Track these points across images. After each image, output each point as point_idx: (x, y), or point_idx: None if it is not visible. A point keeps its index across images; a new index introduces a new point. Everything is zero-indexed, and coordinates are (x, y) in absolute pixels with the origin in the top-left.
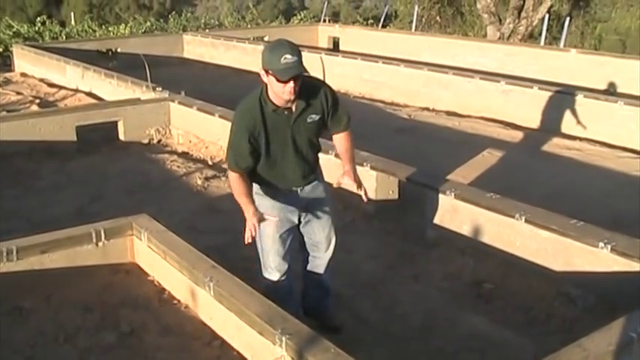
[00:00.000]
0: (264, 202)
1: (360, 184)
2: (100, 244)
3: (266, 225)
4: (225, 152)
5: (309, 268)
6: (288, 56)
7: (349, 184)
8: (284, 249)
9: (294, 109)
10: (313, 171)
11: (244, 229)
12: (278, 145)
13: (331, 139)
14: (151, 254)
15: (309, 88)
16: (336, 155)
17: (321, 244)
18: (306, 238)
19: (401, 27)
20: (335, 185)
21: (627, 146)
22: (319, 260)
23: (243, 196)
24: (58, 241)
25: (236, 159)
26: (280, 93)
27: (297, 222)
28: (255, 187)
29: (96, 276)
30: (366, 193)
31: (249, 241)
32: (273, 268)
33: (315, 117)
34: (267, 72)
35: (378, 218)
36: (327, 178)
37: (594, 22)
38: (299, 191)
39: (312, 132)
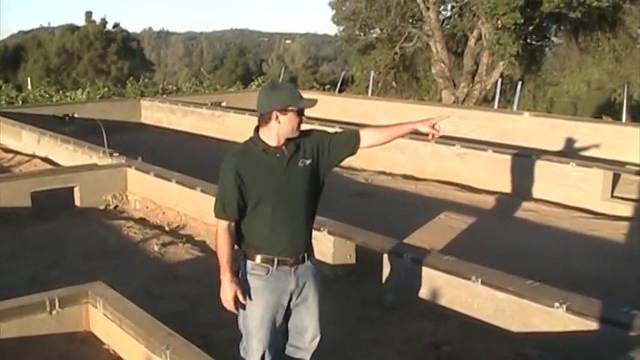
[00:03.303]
0: (256, 283)
1: (429, 121)
2: (55, 312)
3: (253, 305)
4: (214, 202)
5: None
6: (296, 89)
7: (426, 130)
8: (270, 335)
9: (285, 151)
10: (308, 238)
11: (219, 290)
12: (270, 191)
13: (369, 146)
14: (107, 322)
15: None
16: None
17: (307, 334)
18: (290, 324)
19: (358, 92)
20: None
21: (581, 206)
22: (302, 353)
23: (224, 255)
24: (11, 310)
25: (223, 203)
26: (295, 127)
27: (286, 306)
28: (249, 265)
29: (50, 346)
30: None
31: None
32: (254, 353)
33: (307, 161)
34: (284, 111)
35: (336, 283)
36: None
37: (546, 86)
38: (292, 272)
39: (306, 180)
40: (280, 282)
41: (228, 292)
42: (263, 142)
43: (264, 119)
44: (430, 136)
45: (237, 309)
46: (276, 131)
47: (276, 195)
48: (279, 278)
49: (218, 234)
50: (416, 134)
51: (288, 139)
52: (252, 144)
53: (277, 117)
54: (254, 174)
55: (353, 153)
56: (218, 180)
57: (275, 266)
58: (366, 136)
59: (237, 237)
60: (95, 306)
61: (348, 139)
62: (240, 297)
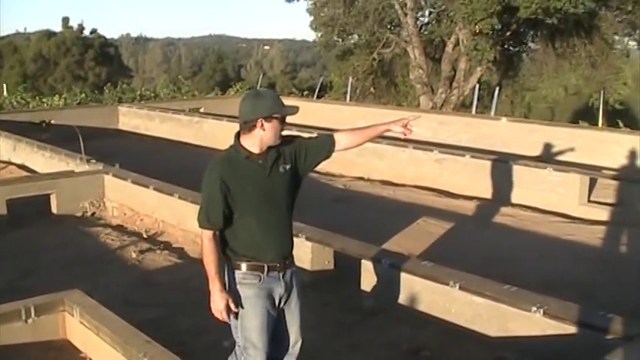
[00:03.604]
0: (249, 292)
1: (401, 122)
2: (31, 320)
3: (251, 316)
4: (198, 212)
5: None
6: (279, 97)
7: (399, 130)
8: (268, 342)
9: (267, 158)
10: (292, 242)
11: (209, 302)
12: (256, 198)
13: (344, 149)
14: (84, 330)
15: None
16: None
17: (291, 338)
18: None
19: (336, 98)
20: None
21: (558, 211)
22: (285, 357)
23: (212, 265)
24: None
25: (208, 212)
26: (278, 134)
27: (275, 312)
28: (238, 274)
29: (26, 355)
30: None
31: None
32: None
33: (287, 166)
34: (269, 118)
35: (314, 289)
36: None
37: (523, 91)
38: (281, 277)
39: (287, 185)
40: (271, 288)
41: (219, 301)
42: (245, 149)
43: (247, 127)
44: (403, 135)
45: (229, 318)
46: (261, 138)
47: (262, 201)
48: (270, 284)
49: (204, 244)
50: (394, 139)
51: (270, 146)
52: (235, 152)
53: (262, 124)
54: (239, 181)
55: (328, 156)
56: (201, 189)
57: (266, 273)
58: (340, 139)
59: (222, 246)
60: (72, 314)
61: (324, 143)
62: (232, 306)
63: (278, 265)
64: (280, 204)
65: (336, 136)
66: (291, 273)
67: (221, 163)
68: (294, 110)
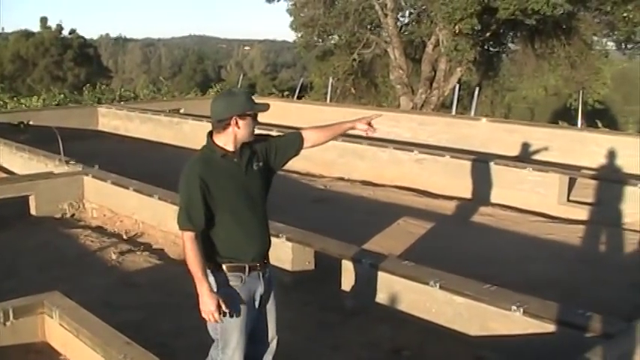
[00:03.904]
0: (229, 294)
1: (365, 120)
2: (9, 323)
3: (232, 316)
4: (177, 215)
5: None
6: (251, 94)
7: (363, 128)
8: (246, 342)
9: (242, 156)
10: (270, 241)
11: (198, 305)
12: (235, 196)
13: (312, 146)
14: (63, 332)
15: None
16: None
17: (268, 335)
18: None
19: (316, 98)
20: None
21: (538, 210)
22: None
23: (198, 267)
24: None
25: (189, 213)
26: (252, 131)
27: (256, 311)
28: (220, 276)
29: (5, 357)
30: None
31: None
32: None
33: (260, 164)
34: (243, 116)
35: (295, 290)
36: None
37: (503, 92)
38: (261, 276)
39: (261, 183)
40: (252, 288)
41: (209, 302)
42: (221, 148)
43: (222, 125)
44: (365, 134)
45: (221, 320)
46: (235, 136)
47: (240, 199)
48: (251, 285)
49: (187, 247)
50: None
51: (243, 144)
52: (210, 151)
53: (237, 122)
54: (217, 180)
55: (297, 154)
56: (179, 191)
57: (247, 273)
58: (308, 137)
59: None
60: (51, 316)
61: (293, 141)
62: (223, 306)
63: (258, 265)
64: (257, 201)
65: (304, 133)
66: (269, 272)
67: (198, 162)
68: (266, 107)
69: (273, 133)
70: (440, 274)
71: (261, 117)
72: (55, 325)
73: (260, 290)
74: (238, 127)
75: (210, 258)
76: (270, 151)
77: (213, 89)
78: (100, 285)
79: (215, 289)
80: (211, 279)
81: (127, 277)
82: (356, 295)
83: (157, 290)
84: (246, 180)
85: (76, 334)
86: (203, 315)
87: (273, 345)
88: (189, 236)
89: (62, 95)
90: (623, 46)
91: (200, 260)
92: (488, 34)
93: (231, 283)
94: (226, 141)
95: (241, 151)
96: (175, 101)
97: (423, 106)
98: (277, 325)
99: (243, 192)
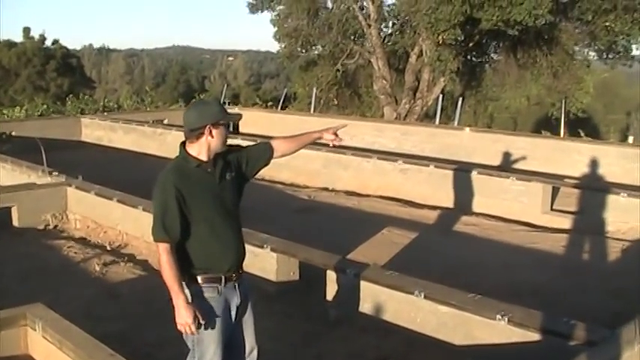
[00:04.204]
0: (206, 305)
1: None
2: None
3: (209, 329)
4: (152, 226)
5: None
6: (223, 104)
7: (330, 138)
8: (222, 353)
9: (215, 166)
10: (245, 250)
11: (174, 317)
12: (210, 207)
13: (281, 155)
14: (46, 345)
15: None
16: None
17: (247, 346)
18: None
19: (300, 108)
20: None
21: (521, 220)
22: None
23: (174, 279)
24: None
25: (164, 224)
26: (225, 141)
27: (232, 323)
28: (195, 288)
29: None
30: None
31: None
32: None
33: (233, 174)
34: (216, 125)
35: (279, 300)
36: None
37: (486, 102)
38: (237, 287)
39: (235, 192)
40: (228, 299)
41: (186, 315)
42: (194, 157)
43: (195, 135)
44: (331, 144)
45: (197, 332)
46: (208, 146)
47: (215, 209)
48: (227, 296)
49: (163, 259)
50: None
51: (216, 154)
52: (184, 161)
53: (210, 131)
54: (192, 190)
55: (267, 163)
56: (153, 201)
57: (223, 284)
58: (278, 147)
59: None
60: (34, 328)
61: (263, 151)
62: (200, 318)
63: (234, 275)
64: (231, 211)
65: (274, 143)
66: (244, 282)
67: (173, 172)
68: (238, 117)
69: (245, 143)
70: (424, 284)
71: (245, 127)
72: (38, 338)
73: (236, 301)
74: (212, 137)
75: (185, 270)
76: (242, 161)
77: (197, 100)
78: (84, 296)
79: (191, 301)
80: (187, 291)
81: (110, 288)
82: (340, 305)
83: (141, 301)
84: (220, 190)
85: (59, 346)
86: (179, 327)
87: (253, 355)
88: (164, 248)
89: (45, 106)
90: (605, 56)
91: (176, 272)
92: (471, 45)
93: (206, 294)
94: (200, 151)
95: (215, 161)
96: (159, 112)
97: (406, 116)
98: (256, 335)
99: (217, 202)
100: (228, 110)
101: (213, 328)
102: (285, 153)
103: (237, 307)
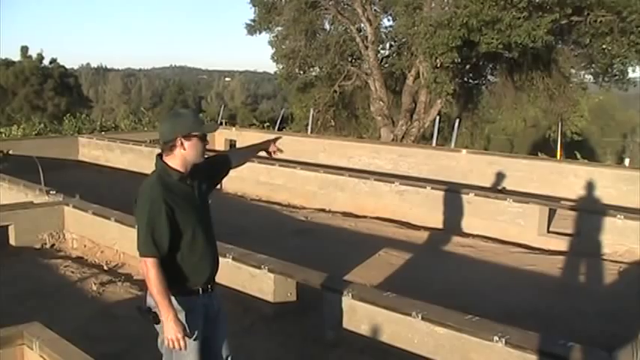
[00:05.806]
0: (183, 318)
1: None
2: None
3: (188, 341)
4: (137, 241)
5: None
6: (199, 115)
7: (272, 149)
8: None
9: (192, 178)
10: (219, 260)
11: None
12: (193, 219)
13: (235, 166)
14: None
15: None
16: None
17: (223, 354)
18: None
19: (297, 130)
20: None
21: (518, 241)
22: None
23: (163, 295)
24: None
25: (153, 239)
26: (201, 153)
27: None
28: (174, 301)
29: None
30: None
31: (173, 346)
32: None
33: (205, 186)
34: (189, 137)
35: (277, 321)
36: None
37: (483, 124)
38: (213, 298)
39: (207, 204)
40: (205, 310)
41: (175, 329)
42: (174, 169)
43: (168, 147)
44: (272, 154)
45: (185, 347)
46: (183, 158)
47: (197, 222)
48: (204, 307)
49: (152, 274)
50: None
51: (193, 165)
52: (165, 174)
53: (182, 143)
54: (178, 204)
55: (227, 174)
56: (138, 216)
57: (201, 296)
58: (232, 158)
59: None
60: (31, 347)
61: (224, 162)
62: (189, 332)
63: (209, 286)
64: (207, 223)
65: (229, 155)
66: (217, 291)
67: (158, 186)
68: (213, 128)
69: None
70: (421, 305)
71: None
72: (35, 357)
73: (213, 311)
74: (184, 149)
75: (169, 282)
76: (211, 172)
77: (172, 110)
78: (80, 316)
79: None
80: (176, 304)
81: (107, 309)
82: (338, 326)
83: (138, 322)
84: (199, 202)
85: None
86: (168, 343)
87: None
88: (153, 263)
89: (42, 125)
90: (600, 79)
91: (165, 287)
92: (467, 67)
93: (185, 306)
94: (175, 163)
95: (192, 174)
96: (156, 132)
97: (403, 137)
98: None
99: (198, 214)
100: (217, 125)
101: (193, 340)
102: (237, 164)
103: (214, 317)
